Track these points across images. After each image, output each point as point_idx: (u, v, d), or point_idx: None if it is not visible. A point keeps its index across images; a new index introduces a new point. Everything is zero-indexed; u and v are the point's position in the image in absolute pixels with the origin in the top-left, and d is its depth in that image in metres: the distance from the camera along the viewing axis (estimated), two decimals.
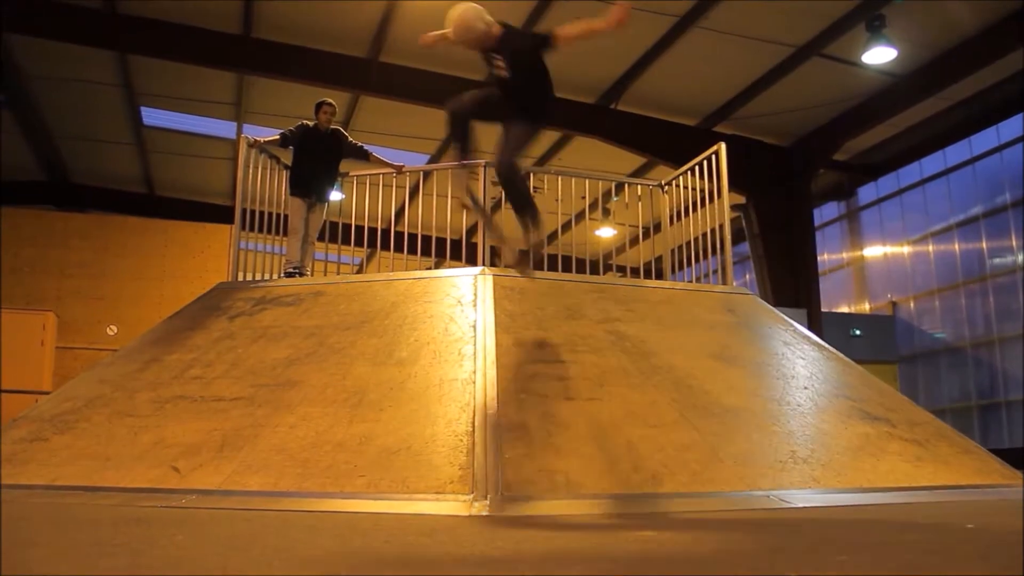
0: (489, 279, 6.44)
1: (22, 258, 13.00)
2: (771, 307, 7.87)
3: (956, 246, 17.00)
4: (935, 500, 4.71)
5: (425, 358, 5.46)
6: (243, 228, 7.97)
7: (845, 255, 19.71)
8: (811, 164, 16.26)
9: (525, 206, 5.55)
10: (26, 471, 4.87)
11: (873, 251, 19.08)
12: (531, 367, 5.34)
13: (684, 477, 4.50)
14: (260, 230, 8.19)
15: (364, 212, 8.55)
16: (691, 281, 8.42)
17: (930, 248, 17.60)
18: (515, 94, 5.43)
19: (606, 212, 17.25)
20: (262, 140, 8.14)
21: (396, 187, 8.66)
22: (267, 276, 8.19)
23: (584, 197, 8.90)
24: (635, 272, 9.93)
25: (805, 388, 5.90)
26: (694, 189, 8.39)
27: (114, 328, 12.99)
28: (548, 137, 15.98)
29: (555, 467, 4.38)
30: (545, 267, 8.00)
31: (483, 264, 7.03)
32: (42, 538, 2.93)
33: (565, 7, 12.04)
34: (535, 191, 10.60)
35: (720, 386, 5.58)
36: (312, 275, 8.31)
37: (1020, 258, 15.60)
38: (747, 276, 19.01)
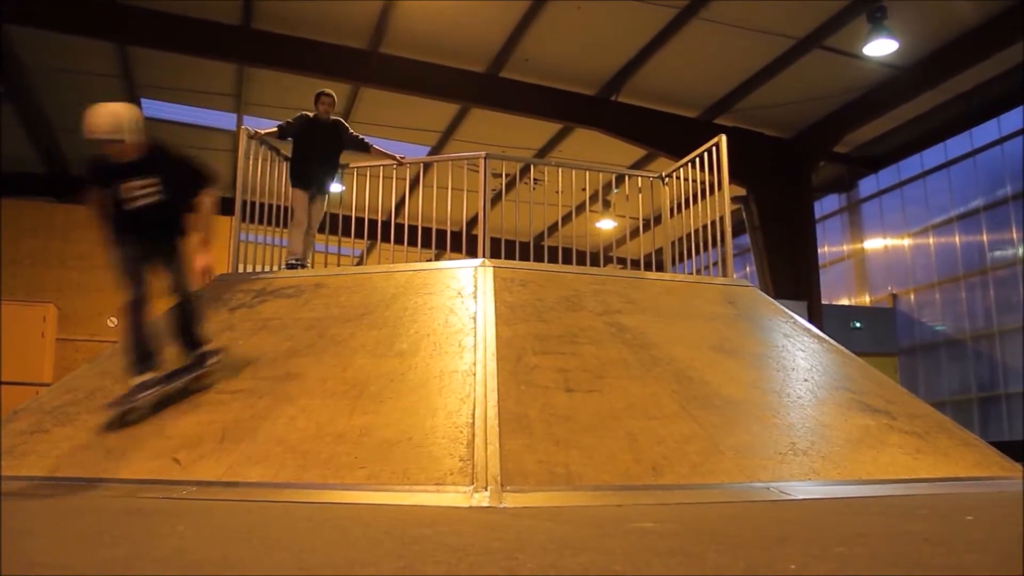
0: (489, 271, 6.44)
1: (23, 250, 13.01)
2: (771, 299, 7.87)
3: (957, 239, 16.99)
4: (935, 492, 4.71)
5: (425, 350, 5.46)
6: (243, 220, 7.97)
7: (845, 247, 19.71)
8: (812, 156, 16.27)
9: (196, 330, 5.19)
10: (27, 463, 4.88)
11: (873, 243, 19.07)
12: (531, 359, 5.35)
13: (684, 469, 4.51)
14: (260, 222, 8.18)
15: (364, 204, 8.54)
16: (691, 273, 8.42)
17: (931, 241, 17.60)
18: (159, 223, 4.91)
19: (606, 204, 17.23)
20: (262, 132, 8.11)
21: (396, 179, 8.65)
22: (267, 268, 8.19)
23: (584, 189, 8.92)
24: (635, 264, 9.95)
25: (805, 380, 5.91)
26: (695, 181, 8.39)
27: (115, 320, 12.97)
28: (548, 129, 15.98)
29: (555, 459, 4.38)
30: (545, 258, 8.01)
31: (483, 256, 7.03)
32: (42, 529, 2.94)
33: (559, 7, 12.03)
34: (535, 183, 10.61)
35: (720, 378, 5.59)
36: (312, 267, 8.30)
37: (1020, 251, 15.59)
38: (747, 268, 19.01)
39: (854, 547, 2.50)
